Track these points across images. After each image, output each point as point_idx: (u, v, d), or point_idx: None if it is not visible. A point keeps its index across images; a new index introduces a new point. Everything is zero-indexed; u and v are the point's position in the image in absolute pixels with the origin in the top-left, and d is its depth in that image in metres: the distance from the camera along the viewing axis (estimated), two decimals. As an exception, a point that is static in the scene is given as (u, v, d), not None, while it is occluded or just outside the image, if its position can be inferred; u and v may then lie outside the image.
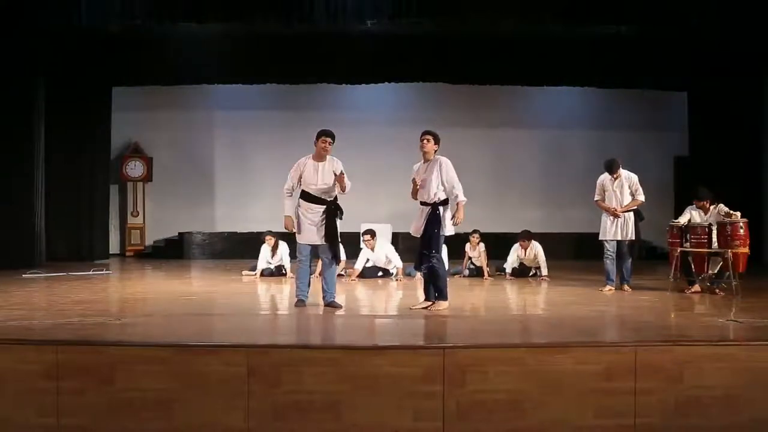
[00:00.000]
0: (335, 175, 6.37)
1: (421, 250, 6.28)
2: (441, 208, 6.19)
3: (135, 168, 12.68)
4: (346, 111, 12.78)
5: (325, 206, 6.39)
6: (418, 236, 6.35)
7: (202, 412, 4.45)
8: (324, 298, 6.54)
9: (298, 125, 12.70)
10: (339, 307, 6.45)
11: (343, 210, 6.52)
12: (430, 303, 6.39)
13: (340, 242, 6.60)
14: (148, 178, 12.73)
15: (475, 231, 9.67)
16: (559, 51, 11.27)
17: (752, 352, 4.72)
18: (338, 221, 6.47)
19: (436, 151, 6.37)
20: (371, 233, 9.31)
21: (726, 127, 11.65)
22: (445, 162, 6.26)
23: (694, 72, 11.75)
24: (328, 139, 6.46)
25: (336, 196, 6.51)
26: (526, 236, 9.49)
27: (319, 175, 6.40)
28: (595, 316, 6.25)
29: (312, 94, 12.48)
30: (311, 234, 6.39)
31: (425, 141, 6.33)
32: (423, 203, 6.32)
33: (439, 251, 6.23)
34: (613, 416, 4.53)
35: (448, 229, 6.26)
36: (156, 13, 9.53)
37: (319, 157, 6.45)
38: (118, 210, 12.90)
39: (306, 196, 6.44)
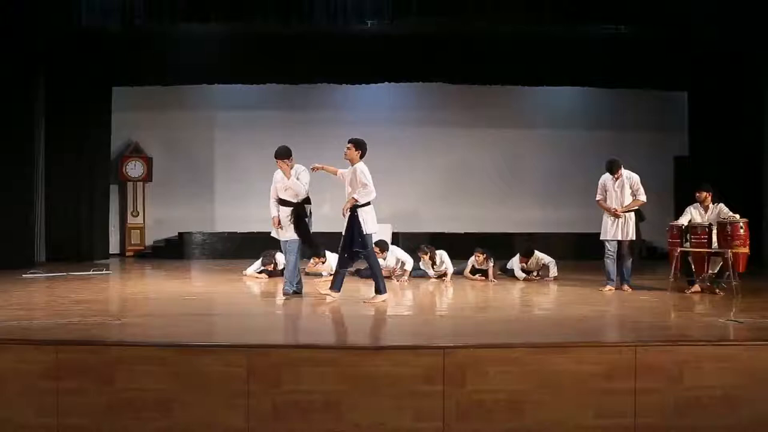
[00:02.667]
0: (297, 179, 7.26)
1: (345, 250, 6.78)
2: (359, 211, 6.66)
3: (135, 168, 12.67)
4: (346, 111, 12.78)
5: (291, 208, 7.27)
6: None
7: (202, 412, 4.45)
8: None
9: (298, 125, 12.71)
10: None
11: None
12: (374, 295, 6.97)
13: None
14: (148, 178, 12.72)
15: (483, 252, 9.20)
16: (559, 51, 11.25)
17: (752, 352, 4.72)
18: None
19: (361, 157, 6.84)
20: (381, 246, 8.85)
21: (726, 127, 11.62)
22: (360, 169, 6.75)
23: (694, 72, 11.74)
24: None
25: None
26: (526, 253, 9.23)
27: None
28: (595, 316, 6.26)
29: (312, 94, 12.48)
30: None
31: (347, 149, 6.87)
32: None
33: (366, 248, 6.76)
34: (613, 416, 4.53)
35: (370, 227, 6.75)
36: (156, 13, 9.52)
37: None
38: (118, 210, 12.88)
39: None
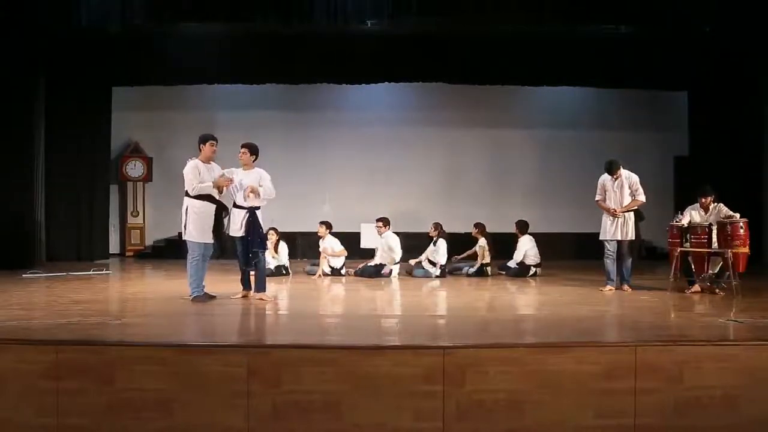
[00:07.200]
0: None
1: (250, 249, 6.89)
2: (257, 212, 6.91)
3: (135, 168, 12.67)
4: (346, 111, 12.78)
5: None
6: (237, 236, 6.97)
7: (202, 412, 4.45)
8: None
9: (298, 125, 12.72)
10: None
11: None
12: (247, 292, 7.19)
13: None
14: (148, 178, 12.72)
15: (476, 224, 9.91)
16: (559, 51, 11.25)
17: (752, 352, 4.72)
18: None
19: (254, 161, 7.09)
20: (384, 220, 9.68)
21: (726, 127, 11.63)
22: (265, 173, 7.03)
23: (694, 72, 11.74)
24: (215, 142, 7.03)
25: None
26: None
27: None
28: (595, 316, 6.26)
29: (312, 94, 12.47)
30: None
31: (242, 153, 7.06)
32: (239, 207, 6.95)
33: (264, 248, 7.13)
34: (613, 416, 4.54)
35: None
36: (156, 13, 9.51)
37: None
38: (118, 210, 12.87)
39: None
